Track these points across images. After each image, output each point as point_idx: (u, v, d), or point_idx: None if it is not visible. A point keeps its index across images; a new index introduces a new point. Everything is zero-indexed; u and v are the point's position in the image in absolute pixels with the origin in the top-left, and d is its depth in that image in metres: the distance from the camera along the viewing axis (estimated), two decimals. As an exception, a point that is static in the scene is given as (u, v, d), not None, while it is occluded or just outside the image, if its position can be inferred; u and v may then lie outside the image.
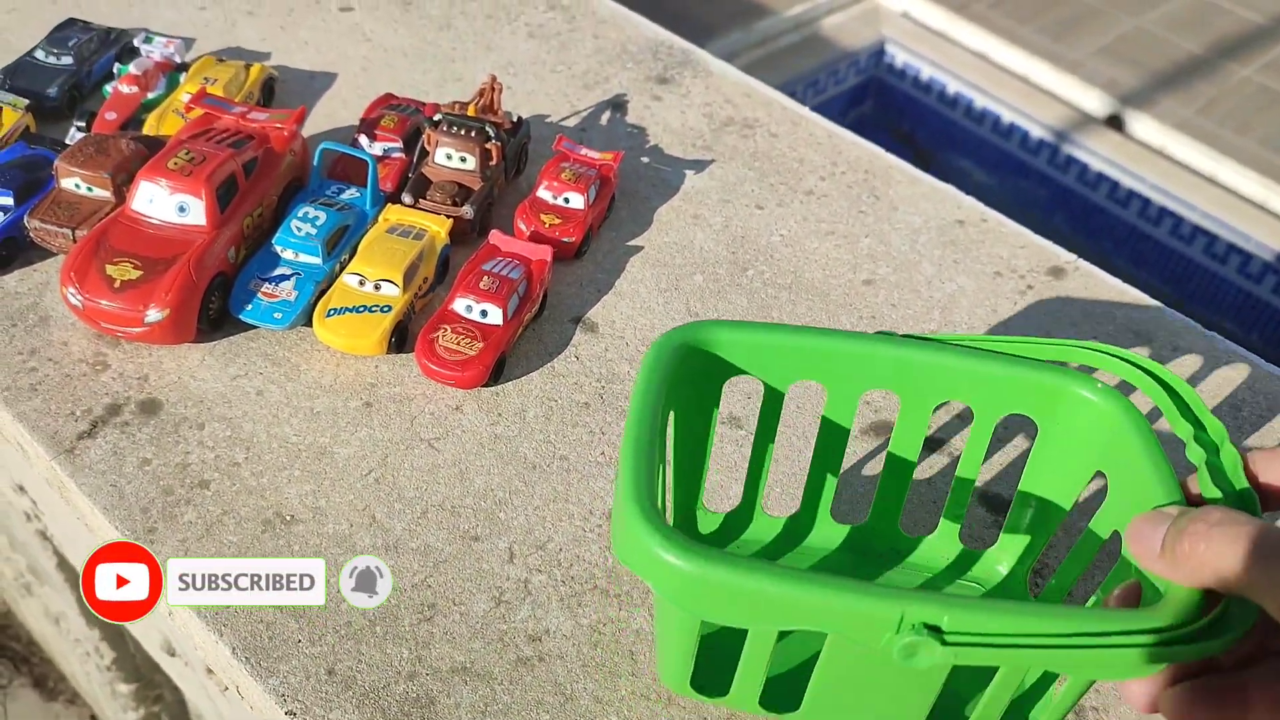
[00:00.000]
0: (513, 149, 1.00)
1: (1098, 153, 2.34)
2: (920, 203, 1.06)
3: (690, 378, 0.64)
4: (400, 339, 0.87)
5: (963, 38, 2.52)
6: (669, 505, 0.70)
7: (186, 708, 2.05)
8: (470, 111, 0.98)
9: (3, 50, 1.11)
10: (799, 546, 0.74)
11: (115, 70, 1.07)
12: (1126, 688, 0.48)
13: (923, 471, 0.82)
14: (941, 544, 0.73)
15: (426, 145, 0.97)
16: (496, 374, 0.85)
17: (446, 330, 0.85)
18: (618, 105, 1.14)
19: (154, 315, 0.82)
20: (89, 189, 0.90)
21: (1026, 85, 2.43)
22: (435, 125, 0.97)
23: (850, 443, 0.70)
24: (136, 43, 1.07)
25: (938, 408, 0.68)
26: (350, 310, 0.86)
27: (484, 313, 0.85)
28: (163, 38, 1.08)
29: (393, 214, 0.93)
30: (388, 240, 0.89)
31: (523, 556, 0.75)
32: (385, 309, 0.86)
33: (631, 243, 0.99)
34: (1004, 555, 0.73)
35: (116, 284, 0.82)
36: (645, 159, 1.08)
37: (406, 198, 0.94)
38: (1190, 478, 0.55)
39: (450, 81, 1.14)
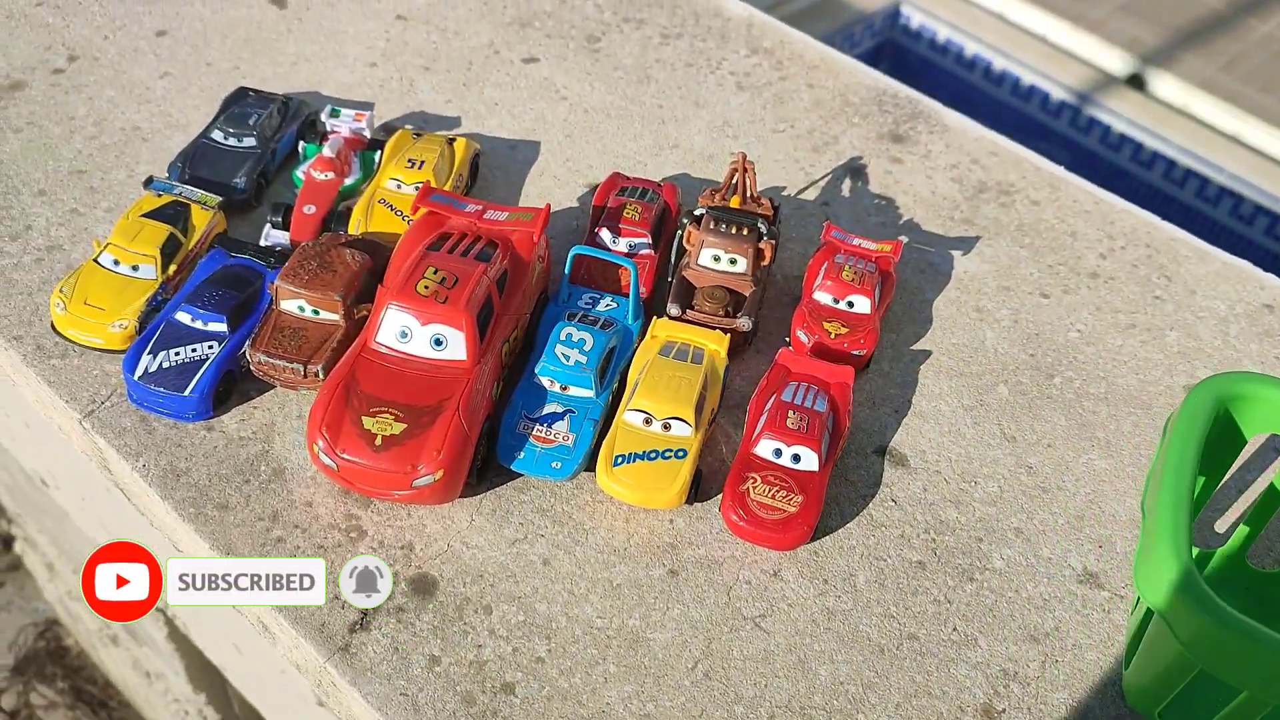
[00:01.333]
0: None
1: (1120, 114, 2.24)
2: (1218, 284, 0.93)
3: (1220, 427, 0.66)
4: (695, 486, 0.74)
5: (980, -3, 2.41)
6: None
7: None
8: (734, 203, 0.85)
9: (166, 125, 0.97)
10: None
11: (300, 150, 0.94)
12: None
13: None
14: None
15: (687, 244, 0.84)
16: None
17: (756, 481, 0.72)
18: (855, 171, 1.01)
19: (426, 479, 0.70)
20: (315, 312, 0.78)
21: (1046, 45, 2.30)
22: (698, 221, 0.84)
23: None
24: (323, 117, 0.94)
25: None
26: (640, 457, 0.73)
27: (796, 457, 0.73)
28: (350, 110, 0.94)
29: (661, 330, 0.80)
30: (667, 366, 0.76)
31: (903, 776, 0.63)
32: (680, 454, 0.73)
33: (916, 346, 0.86)
34: None
35: (377, 441, 0.70)
36: (903, 237, 0.95)
37: (673, 309, 0.82)
38: None
39: (666, 149, 1.01)
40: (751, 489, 0.72)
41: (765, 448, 0.74)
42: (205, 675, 1.76)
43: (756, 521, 0.71)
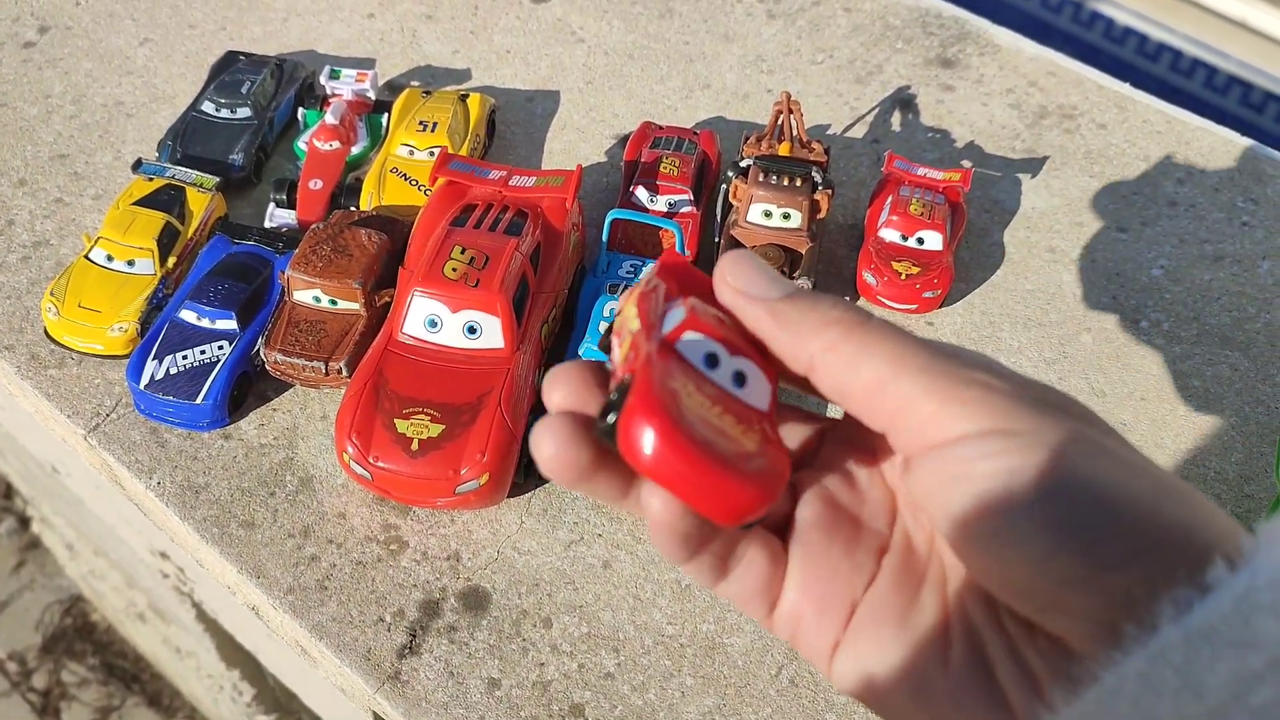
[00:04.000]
0: (823, 186, 0.79)
1: (1123, 5, 2.14)
2: (1309, 204, 0.85)
3: None
4: (762, 471, 0.68)
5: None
6: None
7: (327, 729, 1.93)
8: (783, 150, 0.77)
9: (150, 98, 0.89)
10: None
11: (300, 117, 0.86)
12: None
13: None
14: None
15: (734, 199, 0.76)
16: None
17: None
18: (904, 102, 0.92)
19: (470, 484, 0.63)
20: (333, 302, 0.70)
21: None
22: (744, 173, 0.76)
23: None
24: (322, 79, 0.85)
25: None
26: (702, 443, 0.66)
27: None
28: (351, 70, 0.86)
29: (712, 297, 0.72)
30: (723, 339, 0.69)
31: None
32: (745, 437, 0.66)
33: (987, 295, 0.79)
34: None
35: (414, 445, 0.63)
36: (966, 161, 0.87)
37: (724, 273, 0.74)
38: None
39: (697, 90, 0.92)
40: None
41: None
42: (238, 654, 1.72)
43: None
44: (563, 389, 0.29)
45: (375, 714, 0.65)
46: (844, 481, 0.31)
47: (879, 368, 0.27)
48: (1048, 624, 0.26)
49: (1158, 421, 0.72)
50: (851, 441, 0.32)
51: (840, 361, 0.28)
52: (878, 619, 0.29)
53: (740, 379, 0.29)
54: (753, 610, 0.30)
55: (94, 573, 2.10)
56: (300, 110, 0.85)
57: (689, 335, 0.28)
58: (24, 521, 2.48)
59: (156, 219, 0.74)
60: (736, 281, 0.30)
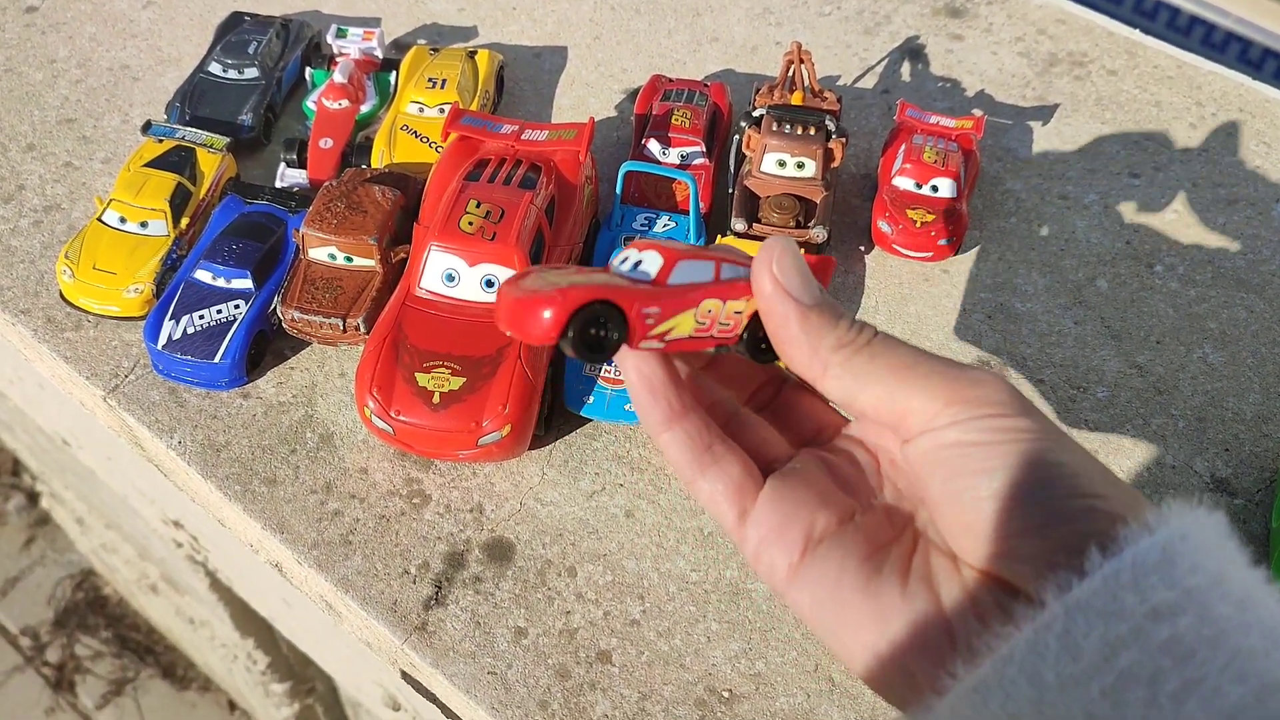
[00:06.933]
0: (835, 136, 0.79)
1: None
2: (1322, 146, 0.85)
3: None
4: (781, 419, 0.68)
5: None
6: None
7: (339, 695, 1.97)
8: (796, 99, 0.77)
9: (156, 61, 0.89)
10: None
11: (308, 77, 0.85)
12: None
13: None
14: None
15: (747, 149, 0.76)
16: None
17: None
18: (914, 52, 0.92)
19: (492, 435, 0.63)
20: (348, 259, 0.70)
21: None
22: (757, 123, 0.76)
23: None
24: (329, 38, 0.85)
25: None
26: (721, 392, 0.66)
27: None
28: (357, 29, 0.85)
29: (727, 248, 0.72)
30: (740, 289, 0.69)
31: None
32: (764, 385, 0.67)
33: (1001, 242, 0.79)
34: None
35: (435, 398, 0.63)
36: (977, 110, 0.86)
37: (739, 224, 0.74)
38: None
39: (705, 43, 0.92)
40: None
41: None
42: (252, 622, 1.73)
43: None
44: None
45: (402, 672, 0.65)
46: (843, 458, 0.37)
47: (885, 380, 0.34)
48: (1004, 570, 0.31)
49: (1174, 364, 0.72)
50: (859, 435, 0.38)
51: (850, 377, 0.34)
52: (846, 553, 0.34)
53: (636, 265, 0.37)
54: (723, 513, 0.36)
55: (105, 546, 2.10)
56: (308, 70, 0.85)
57: (626, 254, 0.38)
58: (32, 498, 2.49)
59: (168, 180, 0.74)
60: (781, 274, 0.35)
